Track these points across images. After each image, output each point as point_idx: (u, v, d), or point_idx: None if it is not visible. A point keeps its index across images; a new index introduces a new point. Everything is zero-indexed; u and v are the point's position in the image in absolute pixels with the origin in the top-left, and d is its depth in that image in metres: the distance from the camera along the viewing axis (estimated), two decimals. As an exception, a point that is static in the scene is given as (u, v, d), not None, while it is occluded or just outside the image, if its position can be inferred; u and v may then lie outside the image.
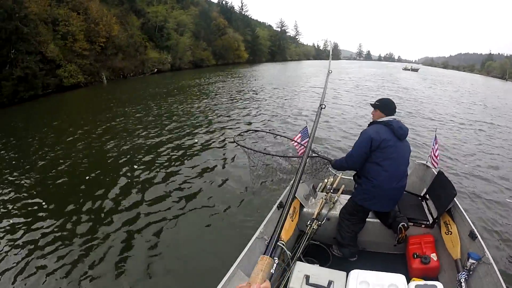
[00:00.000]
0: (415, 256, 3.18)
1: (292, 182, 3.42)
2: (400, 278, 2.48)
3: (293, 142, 4.25)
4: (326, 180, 4.45)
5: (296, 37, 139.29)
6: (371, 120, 3.31)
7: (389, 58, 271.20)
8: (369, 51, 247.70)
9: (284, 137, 4.85)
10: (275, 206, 3.32)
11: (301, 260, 2.99)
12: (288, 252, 2.87)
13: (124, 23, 38.42)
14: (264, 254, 1.08)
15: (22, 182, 7.08)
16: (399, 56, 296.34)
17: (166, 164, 7.72)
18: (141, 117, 12.88)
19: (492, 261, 2.60)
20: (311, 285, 2.66)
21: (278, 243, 2.77)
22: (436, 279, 2.96)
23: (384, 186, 3.00)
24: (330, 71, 3.50)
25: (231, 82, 26.95)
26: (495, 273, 2.48)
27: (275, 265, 2.58)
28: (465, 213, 3.30)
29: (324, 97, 2.92)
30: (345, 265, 3.01)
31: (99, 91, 25.52)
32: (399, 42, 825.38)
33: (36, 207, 5.85)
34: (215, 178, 6.84)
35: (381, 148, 2.97)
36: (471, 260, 2.68)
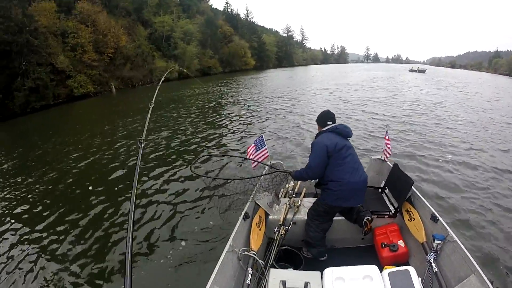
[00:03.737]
0: (383, 245, 3.32)
1: (254, 192, 3.71)
2: (373, 268, 2.54)
3: (249, 155, 4.21)
4: (287, 186, 4.51)
5: (303, 41, 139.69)
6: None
7: (396, 60, 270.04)
8: (376, 54, 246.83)
9: (238, 156, 4.93)
10: (241, 218, 3.33)
11: (274, 267, 3.00)
12: (260, 261, 2.91)
13: (132, 33, 39.21)
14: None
15: (24, 194, 7.18)
16: (407, 57, 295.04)
17: (164, 178, 7.45)
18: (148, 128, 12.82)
19: (456, 238, 2.76)
20: None
21: (249, 253, 2.94)
22: (407, 264, 3.08)
23: (352, 182, 3.11)
24: (151, 104, 3.18)
25: (226, 91, 26.80)
26: (461, 249, 2.64)
27: (249, 275, 2.72)
28: (424, 199, 3.47)
29: (144, 132, 2.70)
30: (318, 265, 3.04)
31: (109, 100, 25.98)
32: (407, 43, 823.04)
33: (37, 219, 5.94)
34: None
35: (337, 150, 3.11)
36: (436, 241, 2.84)
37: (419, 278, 2.47)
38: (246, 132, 11.29)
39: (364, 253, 3.56)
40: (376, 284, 2.42)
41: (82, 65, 29.14)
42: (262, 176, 4.03)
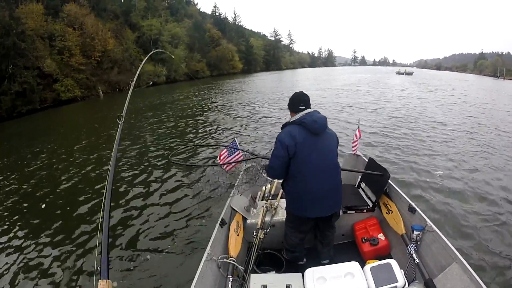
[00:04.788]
0: (364, 240, 3.34)
1: (230, 198, 3.72)
2: (354, 265, 2.55)
3: (221, 161, 4.04)
4: (264, 188, 4.41)
5: (291, 45, 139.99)
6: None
7: (383, 63, 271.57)
8: (363, 57, 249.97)
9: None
10: (217, 225, 3.21)
11: (255, 272, 2.96)
12: (240, 267, 2.86)
13: (119, 37, 39.20)
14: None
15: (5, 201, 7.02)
16: (393, 60, 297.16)
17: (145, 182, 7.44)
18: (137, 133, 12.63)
19: (435, 228, 2.80)
20: None
21: (228, 260, 2.86)
22: (389, 257, 3.05)
23: (314, 189, 2.72)
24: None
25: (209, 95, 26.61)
26: (440, 238, 2.68)
27: (230, 283, 2.70)
28: (401, 191, 3.47)
29: (125, 110, 2.75)
30: (300, 266, 3.11)
31: (96, 105, 25.70)
32: (394, 46, 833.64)
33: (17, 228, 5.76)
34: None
35: (298, 152, 2.67)
36: (415, 232, 2.88)
37: (402, 270, 2.49)
38: (220, 139, 11.20)
39: (345, 250, 3.53)
40: (358, 280, 2.42)
41: (69, 69, 29.08)
42: (237, 181, 4.05)
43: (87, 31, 32.91)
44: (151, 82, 40.39)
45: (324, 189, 2.74)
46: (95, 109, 23.08)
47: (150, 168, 8.18)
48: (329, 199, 2.81)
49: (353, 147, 4.53)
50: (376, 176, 3.69)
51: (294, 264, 3.27)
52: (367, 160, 4.15)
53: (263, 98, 21.67)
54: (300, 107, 2.81)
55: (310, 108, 2.83)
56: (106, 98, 30.21)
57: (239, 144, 4.34)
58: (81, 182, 7.68)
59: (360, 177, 4.17)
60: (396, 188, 3.52)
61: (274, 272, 3.04)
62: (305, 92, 2.95)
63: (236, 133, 11.47)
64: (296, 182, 2.75)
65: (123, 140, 10.97)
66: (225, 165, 3.98)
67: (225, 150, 4.09)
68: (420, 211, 3.02)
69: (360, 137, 4.49)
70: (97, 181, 7.63)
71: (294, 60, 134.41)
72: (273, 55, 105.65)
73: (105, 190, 1.56)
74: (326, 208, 2.83)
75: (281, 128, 2.89)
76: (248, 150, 4.44)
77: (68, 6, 32.54)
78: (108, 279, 1.34)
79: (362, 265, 2.60)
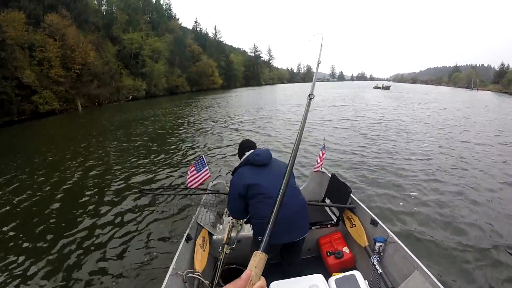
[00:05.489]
0: (329, 254, 3.43)
1: (196, 214, 3.74)
2: (318, 277, 2.52)
3: (189, 178, 4.15)
4: None
5: (270, 61, 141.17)
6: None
7: (361, 77, 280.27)
8: (341, 72, 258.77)
9: (176, 191, 4.89)
10: (183, 240, 3.21)
11: (220, 286, 2.97)
12: (205, 282, 2.87)
13: (100, 50, 38.93)
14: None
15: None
16: (371, 75, 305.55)
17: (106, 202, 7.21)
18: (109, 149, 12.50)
19: (396, 239, 2.90)
20: None
21: (193, 275, 2.86)
22: (355, 269, 3.13)
23: (280, 218, 2.54)
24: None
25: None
26: (402, 248, 2.77)
27: None
28: (364, 205, 3.61)
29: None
30: (266, 280, 3.41)
31: (74, 119, 25.17)
32: (371, 61, 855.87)
33: None
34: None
35: (251, 190, 2.78)
36: (378, 244, 2.99)
37: (366, 281, 2.54)
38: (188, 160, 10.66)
39: (311, 264, 3.63)
40: None
41: (48, 81, 28.59)
42: (204, 197, 4.15)
43: (68, 43, 32.52)
44: (130, 97, 40.19)
45: (290, 214, 2.76)
46: (73, 124, 22.60)
47: (114, 188, 8.00)
48: (295, 224, 2.84)
49: (316, 166, 4.72)
50: (339, 191, 3.88)
51: None
52: (330, 176, 4.30)
53: (238, 115, 21.75)
54: (245, 152, 3.04)
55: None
56: (84, 111, 29.74)
57: (207, 162, 4.43)
58: (39, 203, 7.27)
59: (324, 193, 4.34)
60: (359, 202, 3.68)
61: None
62: (251, 140, 3.26)
63: (205, 151, 11.42)
64: (262, 213, 2.77)
65: (87, 159, 10.83)
66: (191, 182, 4.10)
67: (193, 167, 4.16)
68: (382, 224, 3.18)
69: (323, 156, 4.65)
70: (60, 199, 7.39)
71: (273, 76, 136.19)
72: (252, 71, 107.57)
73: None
74: (296, 233, 2.86)
75: (232, 174, 3.04)
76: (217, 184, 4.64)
77: (50, 16, 32.08)
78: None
79: (328, 278, 2.62)
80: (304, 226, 2.91)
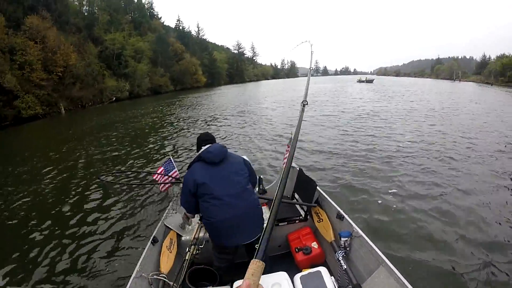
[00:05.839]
0: (297, 250, 3.35)
1: (164, 215, 3.74)
2: (282, 275, 2.46)
3: (157, 178, 4.13)
4: None
5: (254, 57, 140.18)
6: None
7: (345, 72, 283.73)
8: (325, 67, 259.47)
9: (146, 172, 5.10)
10: (149, 243, 3.17)
11: (188, 287, 2.98)
12: (171, 283, 2.83)
13: (82, 51, 38.68)
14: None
15: None
16: (354, 69, 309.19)
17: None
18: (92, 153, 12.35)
19: (362, 233, 2.86)
20: None
21: (159, 277, 2.82)
22: (325, 264, 3.15)
23: (227, 217, 2.70)
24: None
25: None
26: (367, 243, 2.73)
27: None
28: (330, 199, 3.56)
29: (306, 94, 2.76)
30: (233, 280, 2.93)
31: (57, 123, 25.05)
32: (355, 55, 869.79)
33: None
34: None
35: (200, 189, 2.72)
36: (343, 238, 2.94)
37: (332, 277, 2.50)
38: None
39: (281, 261, 3.54)
40: None
41: (30, 85, 28.46)
42: (173, 197, 4.12)
43: (49, 45, 32.29)
44: (114, 98, 40.05)
45: (238, 216, 2.69)
46: (55, 128, 22.42)
47: (81, 189, 7.96)
48: (246, 225, 2.76)
49: (284, 161, 4.65)
50: (306, 186, 3.84)
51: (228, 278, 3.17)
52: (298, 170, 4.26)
53: (219, 114, 21.92)
54: (202, 146, 2.96)
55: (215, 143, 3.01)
56: (68, 115, 29.71)
57: (175, 162, 4.39)
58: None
59: (293, 188, 4.30)
60: (326, 196, 3.65)
61: (210, 287, 3.00)
62: (209, 133, 3.19)
63: (182, 151, 11.43)
64: (212, 213, 2.71)
65: (60, 165, 10.61)
66: (161, 185, 4.07)
67: (162, 168, 4.14)
68: (348, 218, 3.11)
69: (290, 151, 4.32)
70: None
71: (257, 72, 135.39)
72: (236, 68, 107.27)
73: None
74: (245, 235, 2.77)
75: (187, 168, 2.97)
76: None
77: (30, 18, 31.74)
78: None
79: (294, 274, 2.59)
80: (254, 229, 2.80)
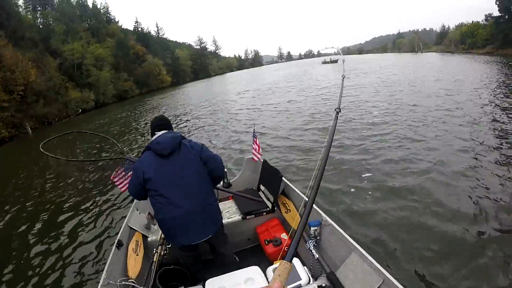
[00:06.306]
0: (267, 242, 3.29)
1: (127, 217, 3.55)
2: (254, 269, 2.47)
3: (115, 179, 3.85)
4: None
5: (217, 51, 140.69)
6: None
7: (309, 55, 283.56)
8: (289, 52, 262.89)
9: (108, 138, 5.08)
10: (114, 247, 3.01)
11: None
12: None
13: (41, 66, 37.67)
14: None
15: None
16: (318, 51, 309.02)
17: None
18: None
19: (331, 221, 2.81)
20: None
21: (127, 282, 2.65)
22: (296, 255, 2.63)
23: (176, 214, 2.50)
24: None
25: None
26: (337, 230, 2.69)
27: None
28: (296, 189, 3.50)
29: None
30: (204, 278, 2.82)
31: (25, 145, 24.11)
32: (317, 38, 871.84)
33: None
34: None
35: (147, 182, 2.52)
36: (312, 228, 2.85)
37: (305, 267, 2.49)
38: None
39: (252, 254, 3.53)
40: (259, 284, 2.34)
41: (-8, 108, 27.73)
42: (135, 201, 3.89)
43: (6, 64, 31.30)
44: (80, 110, 39.56)
45: (183, 215, 2.49)
46: (20, 151, 21.39)
47: (39, 200, 7.95)
48: (197, 224, 2.55)
49: (253, 154, 4.47)
50: (271, 177, 3.79)
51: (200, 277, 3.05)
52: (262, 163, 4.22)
53: (184, 113, 22.66)
54: (155, 132, 2.75)
55: (169, 130, 2.80)
56: (35, 134, 29.08)
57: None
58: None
59: (258, 180, 4.25)
60: (292, 186, 3.61)
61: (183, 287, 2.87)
62: (165, 116, 3.02)
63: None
64: (158, 210, 2.55)
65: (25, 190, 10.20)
66: (121, 185, 3.84)
67: (122, 168, 3.89)
68: (315, 207, 2.94)
69: (256, 144, 4.34)
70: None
71: (222, 65, 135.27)
72: (200, 64, 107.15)
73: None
74: (196, 234, 2.58)
75: (140, 155, 2.76)
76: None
77: (-17, 38, 30.78)
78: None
79: (266, 267, 2.57)
80: (207, 227, 2.61)
